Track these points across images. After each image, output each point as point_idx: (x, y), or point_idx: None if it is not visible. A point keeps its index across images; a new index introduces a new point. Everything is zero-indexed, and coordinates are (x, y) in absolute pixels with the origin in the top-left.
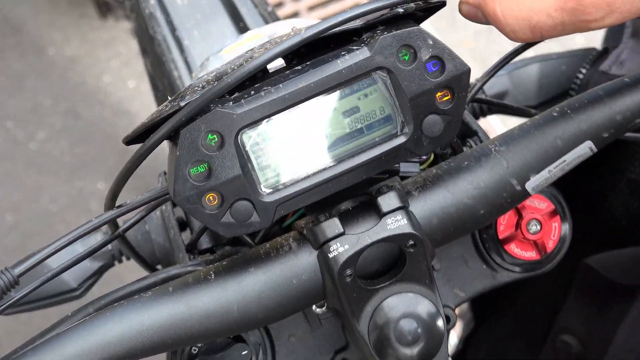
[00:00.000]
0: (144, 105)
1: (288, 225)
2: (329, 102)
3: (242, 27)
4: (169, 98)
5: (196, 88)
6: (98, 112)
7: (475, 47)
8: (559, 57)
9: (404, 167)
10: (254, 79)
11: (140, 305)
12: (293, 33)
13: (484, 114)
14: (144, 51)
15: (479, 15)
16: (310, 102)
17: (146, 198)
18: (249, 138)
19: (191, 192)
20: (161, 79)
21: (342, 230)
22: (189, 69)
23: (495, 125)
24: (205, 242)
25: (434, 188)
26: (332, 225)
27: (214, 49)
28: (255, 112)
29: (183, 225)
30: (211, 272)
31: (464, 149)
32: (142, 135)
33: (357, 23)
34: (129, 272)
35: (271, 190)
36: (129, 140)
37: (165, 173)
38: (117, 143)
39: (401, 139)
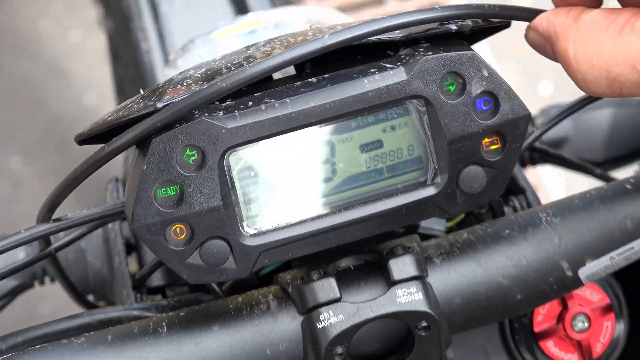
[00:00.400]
0: (88, 67)
1: (268, 274)
2: (345, 130)
3: (239, 4)
4: (141, 91)
5: (179, 86)
6: (25, 68)
7: (524, 57)
8: (638, 104)
9: (427, 223)
10: (254, 86)
11: (69, 353)
12: (312, 34)
13: (534, 162)
14: (106, 4)
15: (547, 49)
16: (322, 126)
17: (93, 214)
18: (238, 161)
19: (154, 219)
20: (125, 48)
21: (338, 295)
22: (163, 45)
23: (544, 175)
24: (156, 278)
25: (462, 258)
26: (326, 287)
27: (199, 27)
28: (251, 130)
29: (129, 248)
30: (163, 323)
31: (506, 210)
32: (102, 135)
33: (396, 34)
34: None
35: (255, 231)
36: (84, 139)
37: (117, 180)
38: (46, 110)
39: (430, 191)
